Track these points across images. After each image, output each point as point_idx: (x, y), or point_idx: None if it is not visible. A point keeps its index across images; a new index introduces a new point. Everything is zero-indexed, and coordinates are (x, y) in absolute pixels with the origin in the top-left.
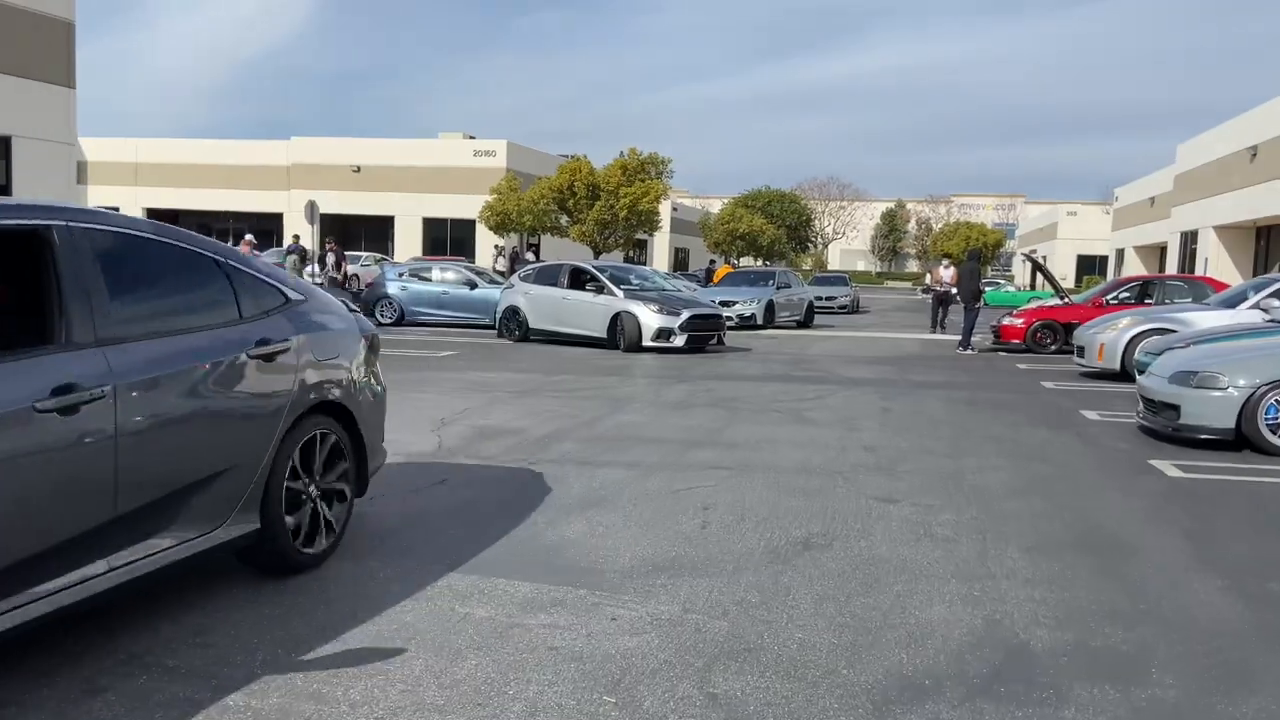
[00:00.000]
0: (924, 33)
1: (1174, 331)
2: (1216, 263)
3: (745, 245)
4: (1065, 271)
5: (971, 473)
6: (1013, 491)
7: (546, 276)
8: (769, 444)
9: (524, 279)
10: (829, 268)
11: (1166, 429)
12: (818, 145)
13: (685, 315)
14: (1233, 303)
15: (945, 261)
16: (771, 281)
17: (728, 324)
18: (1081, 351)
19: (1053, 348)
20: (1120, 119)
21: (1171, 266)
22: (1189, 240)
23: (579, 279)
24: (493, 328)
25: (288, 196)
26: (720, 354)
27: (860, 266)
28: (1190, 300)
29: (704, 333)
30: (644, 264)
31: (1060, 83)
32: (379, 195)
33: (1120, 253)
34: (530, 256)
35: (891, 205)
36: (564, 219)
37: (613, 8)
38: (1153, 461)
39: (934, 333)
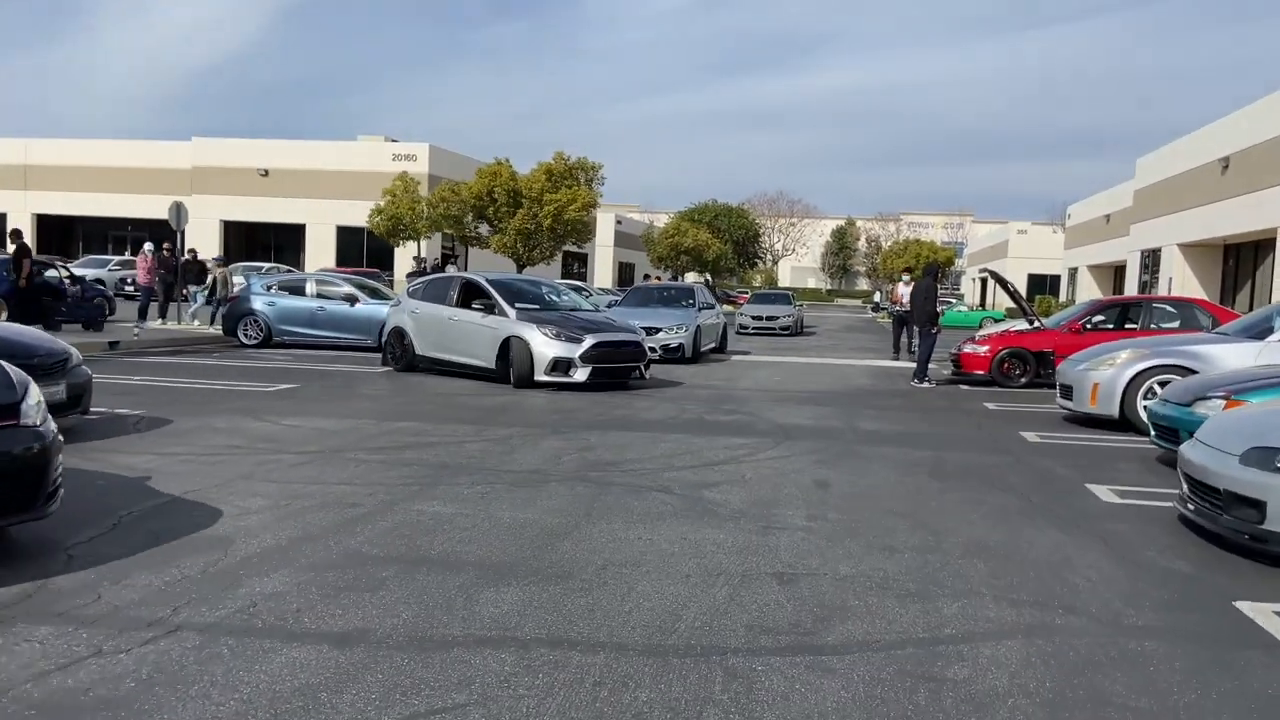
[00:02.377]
0: (874, 55)
1: (1190, 370)
2: (1181, 282)
3: (690, 260)
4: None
5: (957, 648)
6: (1041, 711)
7: (436, 292)
8: (627, 570)
9: (412, 294)
10: (780, 284)
11: (1239, 535)
12: (769, 162)
13: (588, 343)
14: (1257, 333)
15: (906, 277)
16: (691, 301)
17: (650, 355)
18: (1068, 392)
19: (1022, 380)
20: (1067, 141)
21: (1130, 286)
22: (1150, 259)
23: (471, 295)
24: (376, 350)
25: (190, 202)
26: (629, 387)
27: (811, 284)
28: (1179, 325)
29: (615, 365)
30: (583, 278)
31: (1008, 105)
32: (289, 201)
33: (1073, 272)
34: (452, 270)
35: (842, 222)
36: (484, 228)
37: (566, 24)
38: (1243, 606)
39: (895, 358)
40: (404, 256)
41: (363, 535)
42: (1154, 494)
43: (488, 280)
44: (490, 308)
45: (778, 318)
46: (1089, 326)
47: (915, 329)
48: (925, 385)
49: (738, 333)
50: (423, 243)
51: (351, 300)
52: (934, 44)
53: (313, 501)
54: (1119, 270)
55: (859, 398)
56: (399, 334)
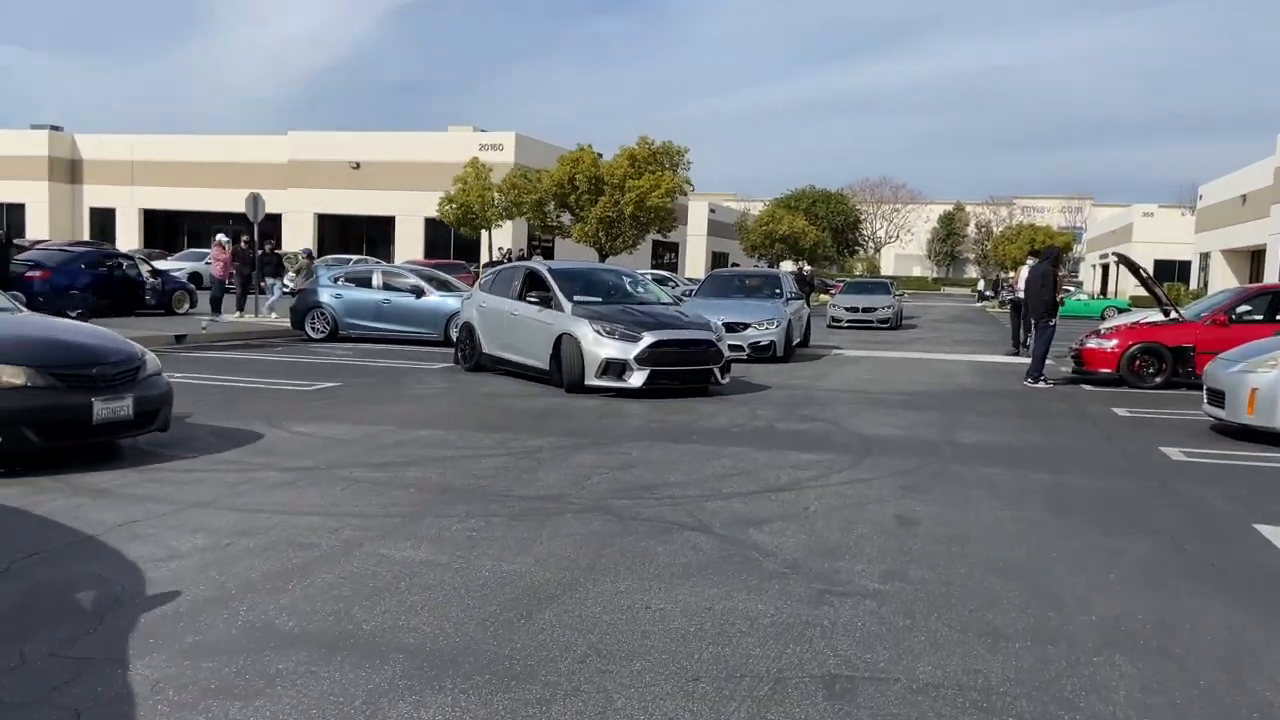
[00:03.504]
0: (985, 37)
1: None
2: None
3: (785, 248)
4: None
5: None
6: None
7: (502, 283)
8: (615, 666)
9: (482, 287)
10: (883, 273)
11: None
12: (872, 149)
13: (646, 341)
14: None
15: (1031, 261)
16: (779, 290)
17: (732, 356)
18: (1218, 397)
19: (1157, 380)
20: (1197, 121)
21: (1271, 273)
22: None
23: (533, 287)
24: (442, 343)
25: (286, 196)
26: (707, 393)
27: (916, 272)
28: None
29: (678, 368)
30: (673, 268)
31: (1130, 85)
32: (380, 194)
33: (1205, 257)
34: (536, 261)
35: (949, 208)
36: (566, 217)
37: (665, 17)
38: None
39: (1015, 353)
40: (490, 248)
41: (290, 596)
42: None
43: (550, 270)
44: (546, 300)
45: (875, 309)
46: (1235, 318)
47: (1031, 320)
48: (1041, 385)
49: (829, 326)
50: (495, 232)
51: (418, 292)
52: (1050, 23)
53: (261, 540)
54: (1257, 255)
55: (962, 400)
56: (469, 330)
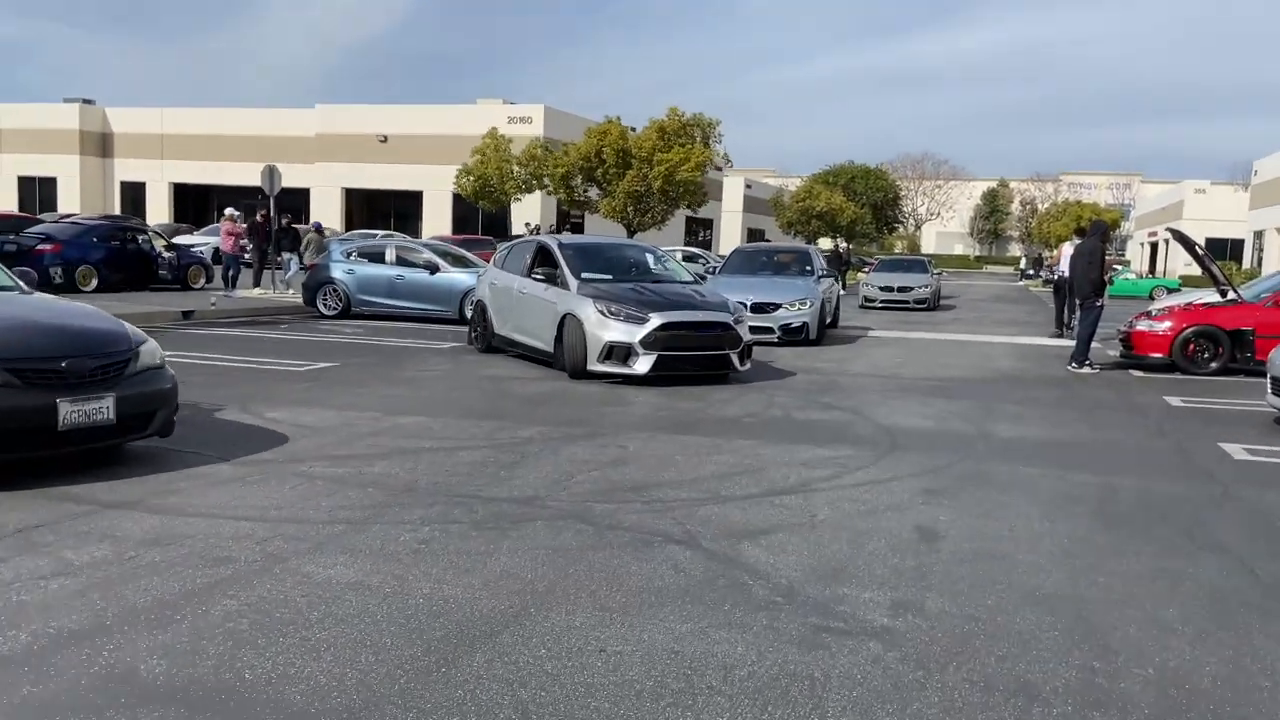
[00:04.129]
0: (1034, 9)
1: None
2: None
3: (823, 224)
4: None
5: None
6: None
7: (515, 258)
8: None
9: (496, 263)
10: (924, 251)
11: None
12: (915, 124)
13: (653, 324)
14: None
15: (1075, 240)
16: (810, 268)
17: (759, 338)
18: None
19: (1213, 365)
20: (1249, 96)
21: None
22: None
23: (542, 262)
24: (457, 322)
25: (314, 170)
26: (726, 380)
27: (958, 250)
28: None
29: (690, 353)
30: (708, 245)
31: (1180, 58)
32: (408, 168)
33: (1259, 235)
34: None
35: (993, 184)
36: (593, 191)
37: None
38: None
39: (1059, 334)
40: (518, 223)
41: (174, 630)
42: None
43: (560, 244)
44: (553, 277)
45: (911, 288)
46: None
47: (1076, 300)
48: (1086, 370)
49: (861, 307)
50: (522, 206)
51: (432, 268)
52: None
53: (173, 553)
54: None
55: (999, 388)
56: (481, 310)
